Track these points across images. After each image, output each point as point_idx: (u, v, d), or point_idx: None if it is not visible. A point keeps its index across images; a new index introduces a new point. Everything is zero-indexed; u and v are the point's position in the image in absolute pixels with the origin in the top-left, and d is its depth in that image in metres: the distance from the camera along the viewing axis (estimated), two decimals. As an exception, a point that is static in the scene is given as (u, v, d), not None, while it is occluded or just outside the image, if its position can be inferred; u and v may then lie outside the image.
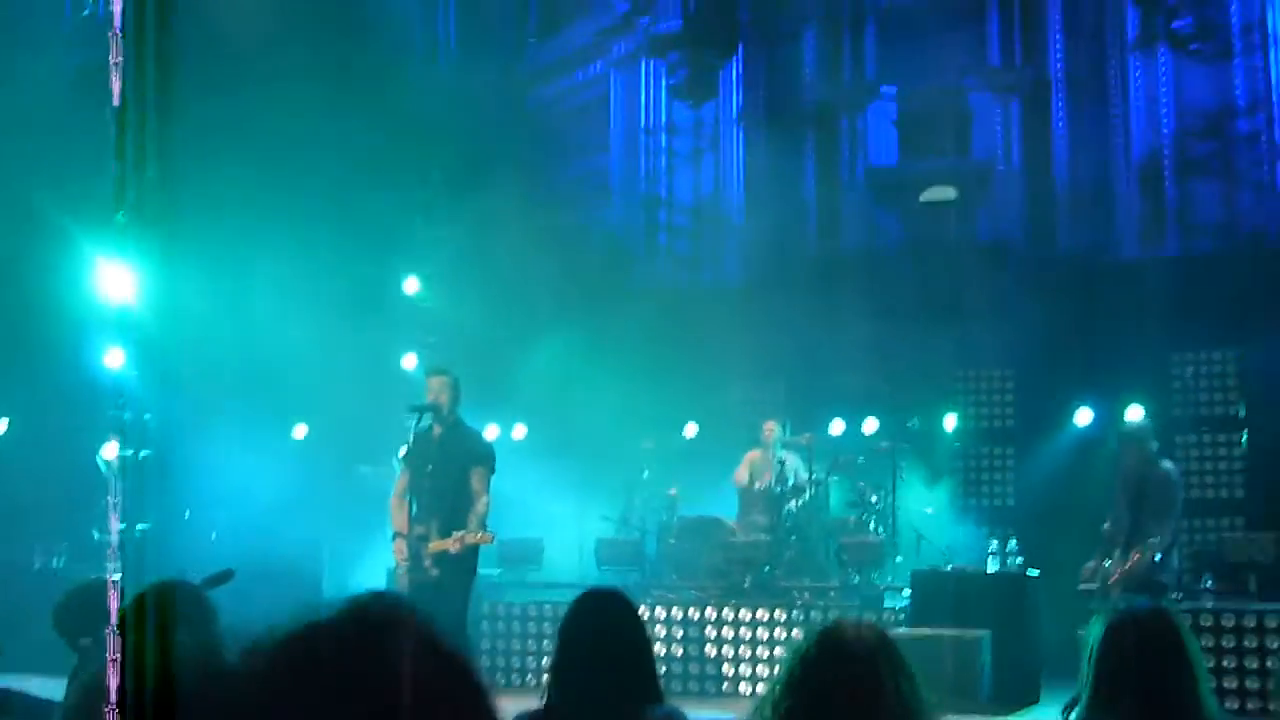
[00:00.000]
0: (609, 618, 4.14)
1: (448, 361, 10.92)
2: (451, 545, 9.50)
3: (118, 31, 10.78)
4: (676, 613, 12.80)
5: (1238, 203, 16.68)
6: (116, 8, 10.77)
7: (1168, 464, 11.45)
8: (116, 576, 12.23)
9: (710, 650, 12.62)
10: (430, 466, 9.75)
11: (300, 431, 16.22)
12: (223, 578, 5.19)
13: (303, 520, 13.98)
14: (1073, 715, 3.51)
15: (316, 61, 15.89)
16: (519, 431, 16.22)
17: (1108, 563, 10.88)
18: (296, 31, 15.97)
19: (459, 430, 10.01)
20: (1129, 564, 10.18)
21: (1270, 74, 16.85)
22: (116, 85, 10.74)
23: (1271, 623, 11.00)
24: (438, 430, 9.88)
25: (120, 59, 10.43)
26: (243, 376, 14.62)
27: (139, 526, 14.38)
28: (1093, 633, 3.50)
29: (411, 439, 9.84)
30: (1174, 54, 17.08)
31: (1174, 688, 3.30)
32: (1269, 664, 10.93)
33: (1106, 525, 11.19)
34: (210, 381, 14.51)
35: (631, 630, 4.17)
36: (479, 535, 9.56)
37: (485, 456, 9.99)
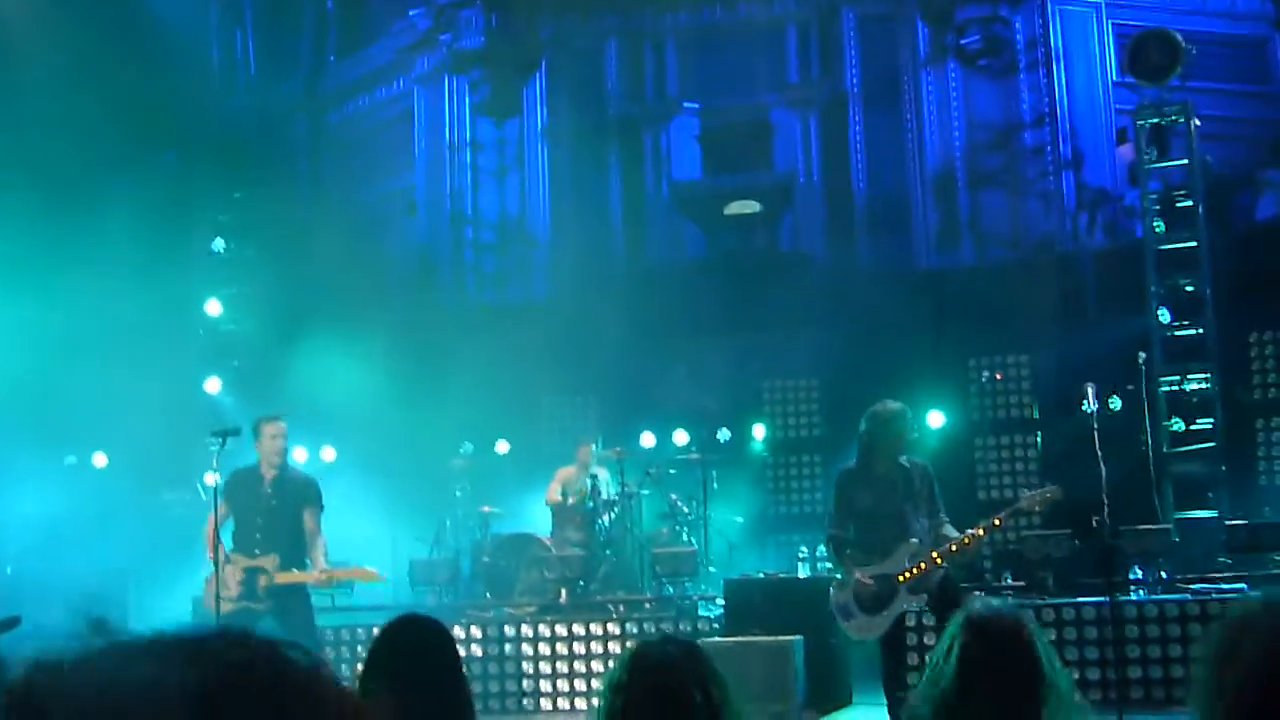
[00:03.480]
0: (419, 643, 4.08)
1: (249, 384, 10.88)
2: (315, 578, 9.86)
3: None
4: (492, 631, 12.73)
5: (1026, 213, 17.30)
6: None
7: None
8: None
9: (528, 667, 12.58)
10: (270, 503, 10.01)
11: (100, 460, 15.75)
12: (8, 625, 4.99)
13: (104, 549, 13.60)
14: (922, 709, 3.54)
15: (112, 89, 15.49)
16: (328, 453, 15.98)
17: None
18: (91, 59, 15.57)
19: (292, 473, 10.34)
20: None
21: (1055, 89, 17.54)
22: None
23: (1069, 615, 11.39)
24: (271, 472, 10.10)
25: None
26: (36, 406, 14.16)
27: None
28: (950, 636, 3.56)
29: (232, 476, 10.00)
30: (963, 70, 17.67)
31: (1024, 694, 3.37)
32: (1066, 655, 11.32)
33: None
34: (2, 416, 14.04)
35: (442, 655, 4.10)
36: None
37: (317, 497, 10.22)
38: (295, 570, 9.88)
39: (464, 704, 4.08)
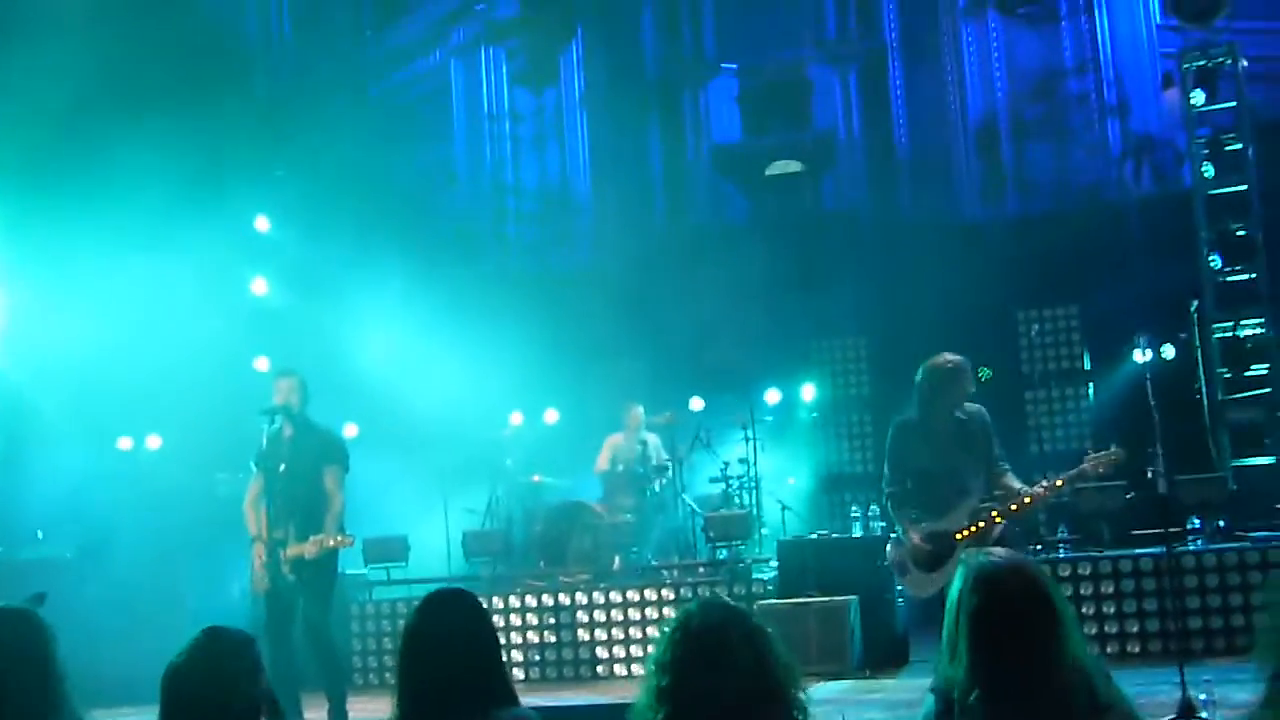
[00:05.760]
0: (454, 619, 4.02)
1: (298, 361, 10.70)
2: (309, 550, 9.31)
3: None
4: (547, 600, 12.76)
5: (1071, 161, 17.10)
6: None
7: None
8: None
9: (583, 635, 12.61)
10: (283, 468, 9.48)
11: (154, 442, 15.85)
12: (37, 600, 5.04)
13: (162, 532, 13.69)
14: (940, 675, 3.53)
15: (149, 69, 15.53)
16: (378, 427, 16.03)
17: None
18: (125, 37, 15.60)
19: (309, 430, 9.72)
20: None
21: (1097, 35, 17.28)
22: None
23: (1126, 568, 11.29)
24: (289, 432, 9.62)
25: None
26: (91, 392, 14.26)
27: (-10, 549, 14.03)
28: (954, 589, 3.52)
29: (264, 442, 9.64)
30: (1003, 19, 17.45)
31: (1042, 639, 3.34)
32: (1124, 609, 11.23)
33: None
34: (58, 400, 14.15)
35: (477, 630, 4.01)
36: (337, 539, 9.38)
37: (338, 455, 9.74)
38: (309, 540, 9.34)
39: (499, 679, 3.98)
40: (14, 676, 4.01)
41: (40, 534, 14.02)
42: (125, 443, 15.70)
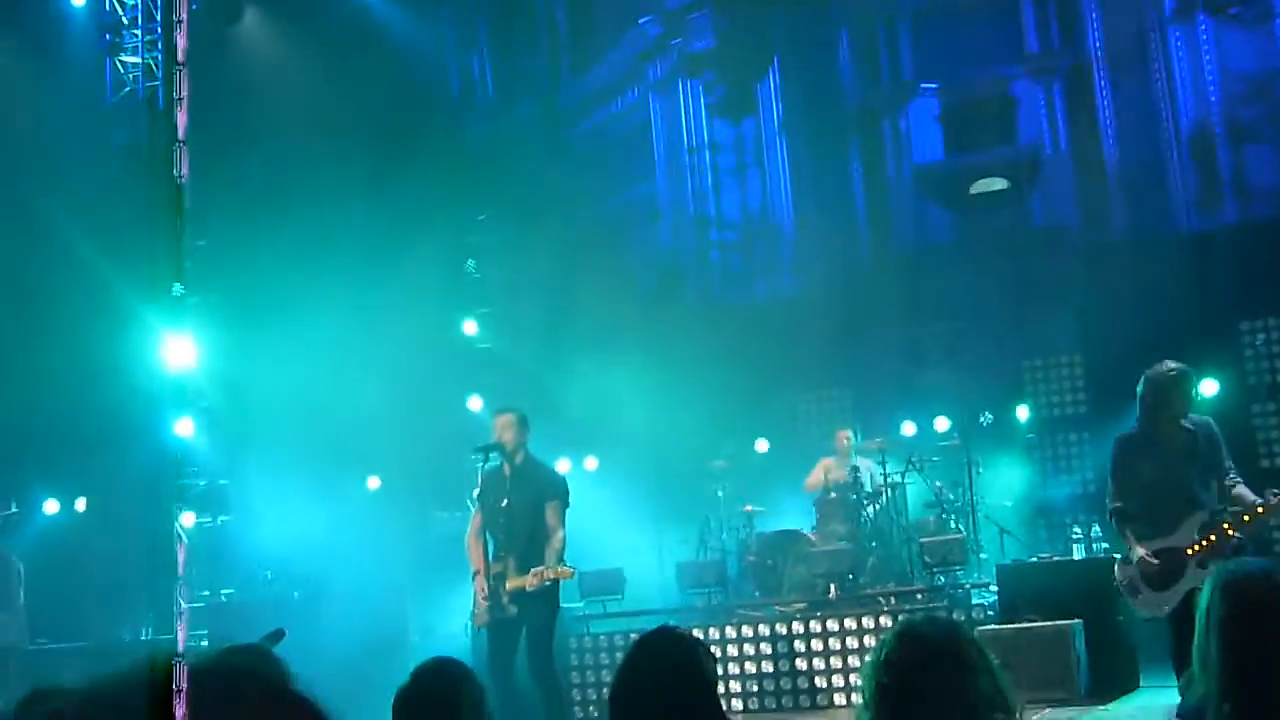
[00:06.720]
0: (669, 660, 3.97)
1: (512, 399, 10.87)
2: (529, 582, 9.47)
3: (182, 64, 10.95)
4: (764, 630, 12.68)
5: (1293, 164, 16.46)
6: (181, 42, 10.94)
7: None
8: (205, 643, 12.36)
9: (802, 664, 12.49)
10: (504, 504, 9.70)
11: (374, 483, 16.28)
12: (275, 637, 5.18)
13: (383, 570, 14.03)
14: (1189, 697, 3.39)
15: (357, 120, 16.05)
16: (591, 463, 16.20)
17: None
18: (334, 91, 16.15)
19: (529, 466, 9.95)
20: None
21: (1313, 30, 16.61)
22: (183, 120, 10.92)
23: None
24: (508, 468, 9.86)
25: (186, 93, 10.59)
26: (310, 435, 14.71)
27: (224, 592, 14.55)
28: (1203, 599, 3.40)
29: (482, 479, 9.82)
30: (1213, 21, 16.89)
31: None
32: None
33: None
34: (280, 443, 14.63)
35: (691, 673, 3.98)
36: (557, 570, 9.51)
37: (558, 490, 9.94)
38: (530, 573, 9.50)
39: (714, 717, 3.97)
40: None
41: (269, 575, 14.49)
42: (374, 482, 16.12)
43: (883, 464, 14.15)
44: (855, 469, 14.25)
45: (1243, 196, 16.63)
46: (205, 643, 12.94)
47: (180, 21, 10.98)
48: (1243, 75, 16.83)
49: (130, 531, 14.45)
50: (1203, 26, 16.99)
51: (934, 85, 19.07)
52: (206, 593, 14.33)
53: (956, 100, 19.10)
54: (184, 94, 11.02)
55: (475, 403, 16.20)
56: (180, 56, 11.04)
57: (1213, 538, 7.92)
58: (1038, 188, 18.44)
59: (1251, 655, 3.23)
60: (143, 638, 14.00)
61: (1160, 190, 17.28)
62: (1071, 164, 18.24)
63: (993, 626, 11.38)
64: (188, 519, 14.01)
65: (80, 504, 15.82)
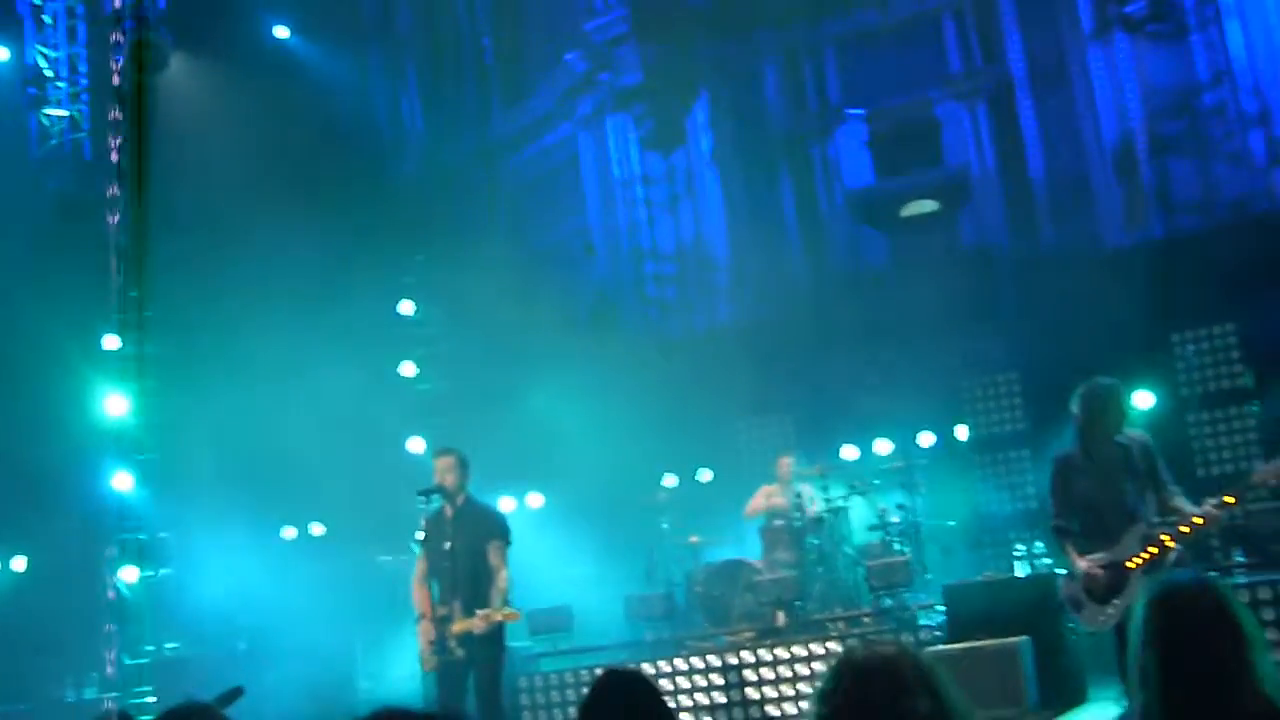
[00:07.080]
0: (629, 700, 4.00)
1: (452, 440, 10.83)
2: (476, 625, 9.42)
3: (118, 116, 10.88)
4: (714, 660, 12.65)
5: (1215, 176, 16.69)
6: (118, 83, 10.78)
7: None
8: (152, 699, 12.17)
9: (753, 693, 12.47)
10: (448, 546, 9.63)
11: (317, 529, 16.18)
12: (233, 695, 5.12)
13: (329, 617, 13.93)
14: (1129, 707, 3.44)
15: (288, 164, 15.99)
16: (535, 499, 16.17)
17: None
18: (264, 135, 16.09)
19: (471, 508, 9.89)
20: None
21: (1228, 45, 16.89)
22: (114, 191, 10.84)
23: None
24: (450, 511, 9.81)
25: (121, 141, 10.50)
26: (252, 483, 14.60)
27: (167, 646, 14.36)
28: (1137, 612, 3.45)
29: (425, 523, 9.79)
30: (1131, 38, 17.16)
31: (1228, 659, 3.25)
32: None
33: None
34: (221, 492, 14.50)
35: (652, 708, 4.02)
36: (504, 613, 9.47)
37: (499, 530, 9.86)
38: (475, 615, 9.44)
39: None
40: None
41: (213, 628, 14.35)
42: (290, 532, 16.03)
43: (825, 489, 14.20)
44: (798, 495, 14.29)
45: (1167, 210, 16.87)
46: (152, 698, 12.76)
47: (115, 70, 10.95)
48: (1162, 90, 17.09)
49: (71, 589, 14.25)
50: (1120, 44, 17.25)
51: (861, 111, 19.25)
52: (151, 648, 14.14)
53: (883, 125, 19.29)
54: (118, 141, 10.98)
55: (416, 444, 16.14)
56: (115, 112, 11.00)
57: (1153, 550, 7.99)
58: (967, 208, 18.64)
59: (1185, 668, 3.27)
60: (86, 697, 13.80)
61: (1087, 207, 17.52)
62: (999, 183, 18.46)
63: (941, 647, 11.43)
64: (130, 573, 13.83)
65: (18, 563, 15.59)
